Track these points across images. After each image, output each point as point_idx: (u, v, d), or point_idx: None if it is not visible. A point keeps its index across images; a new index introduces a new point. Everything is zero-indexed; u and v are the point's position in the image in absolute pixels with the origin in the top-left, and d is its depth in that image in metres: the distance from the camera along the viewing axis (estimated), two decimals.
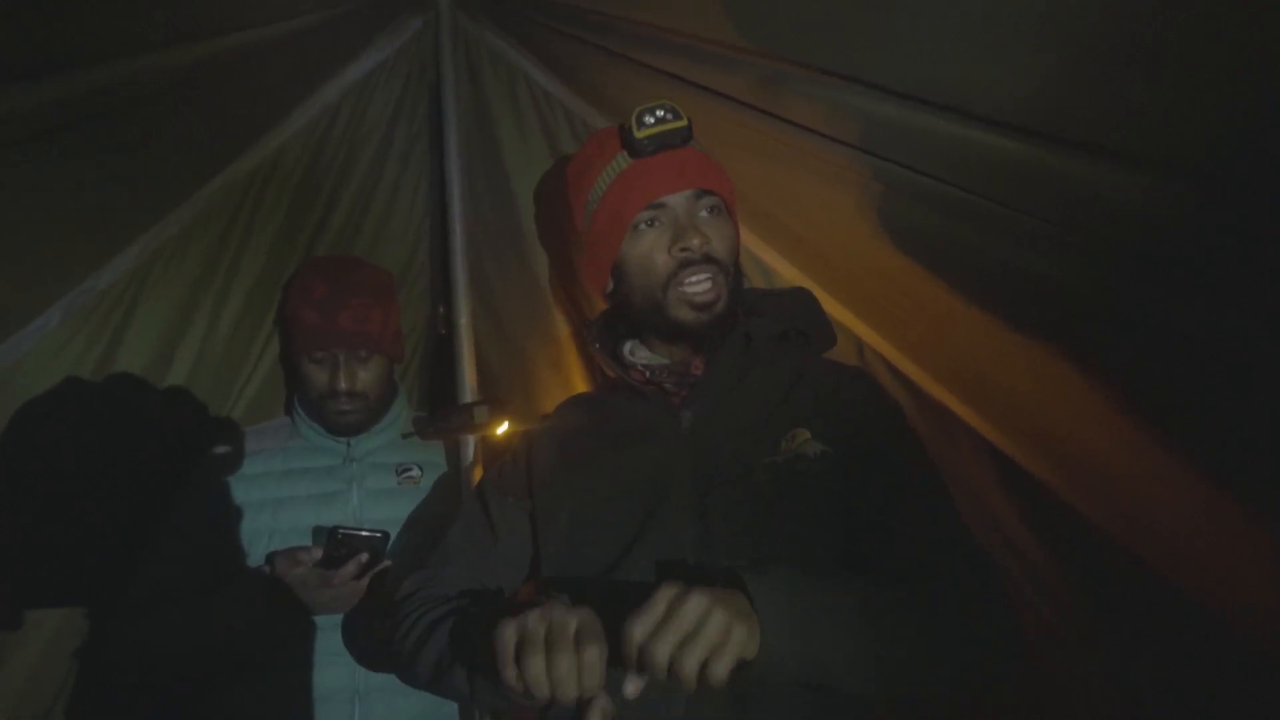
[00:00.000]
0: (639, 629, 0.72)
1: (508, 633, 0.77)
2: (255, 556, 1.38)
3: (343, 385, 1.42)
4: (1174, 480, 1.04)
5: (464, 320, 1.57)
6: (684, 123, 1.06)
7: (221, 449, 1.48)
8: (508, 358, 1.80)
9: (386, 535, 1.26)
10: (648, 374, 1.10)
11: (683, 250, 1.04)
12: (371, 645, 1.34)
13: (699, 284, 1.04)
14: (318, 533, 1.37)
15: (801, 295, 1.20)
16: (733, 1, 1.07)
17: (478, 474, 1.50)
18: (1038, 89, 0.81)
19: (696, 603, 0.72)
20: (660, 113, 1.06)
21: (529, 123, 1.66)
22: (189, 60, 1.09)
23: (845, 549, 0.96)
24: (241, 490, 1.42)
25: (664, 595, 0.73)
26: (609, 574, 0.97)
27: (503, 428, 1.45)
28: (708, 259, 1.04)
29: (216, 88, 1.22)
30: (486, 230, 1.74)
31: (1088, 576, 1.26)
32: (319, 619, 1.33)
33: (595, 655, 0.74)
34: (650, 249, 1.06)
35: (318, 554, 1.24)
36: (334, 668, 1.34)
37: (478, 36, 1.63)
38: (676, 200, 1.06)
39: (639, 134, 1.05)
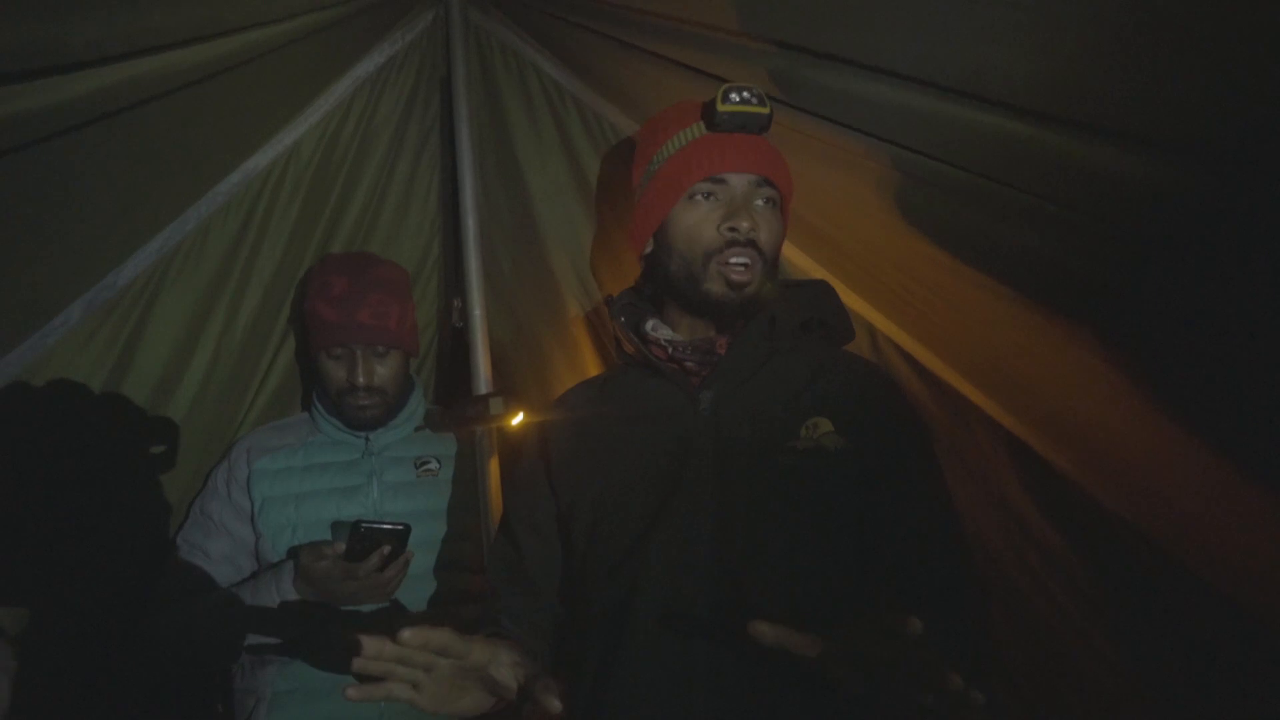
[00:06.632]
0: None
1: None
2: (278, 551, 1.39)
3: (361, 380, 1.43)
4: (1190, 464, 1.04)
5: (478, 312, 1.57)
6: (767, 110, 1.07)
7: (242, 444, 1.50)
8: (522, 349, 1.81)
9: (408, 528, 1.27)
10: (670, 350, 1.09)
11: (731, 229, 1.05)
12: None
13: (738, 264, 1.05)
14: (340, 526, 1.38)
15: (822, 287, 1.20)
16: None
17: (494, 466, 1.51)
18: (1056, 72, 0.80)
19: None
20: (747, 94, 1.06)
21: (541, 115, 1.66)
22: (206, 57, 1.09)
23: (857, 544, 0.98)
24: (264, 485, 1.44)
25: None
26: (630, 554, 0.98)
27: (518, 418, 1.46)
28: (751, 243, 1.05)
29: (232, 84, 1.22)
30: (500, 223, 1.75)
31: (1103, 561, 1.26)
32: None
33: None
34: (701, 220, 1.07)
35: (341, 547, 1.25)
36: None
37: (489, 29, 1.63)
38: (738, 181, 1.07)
39: (721, 108, 1.06)
